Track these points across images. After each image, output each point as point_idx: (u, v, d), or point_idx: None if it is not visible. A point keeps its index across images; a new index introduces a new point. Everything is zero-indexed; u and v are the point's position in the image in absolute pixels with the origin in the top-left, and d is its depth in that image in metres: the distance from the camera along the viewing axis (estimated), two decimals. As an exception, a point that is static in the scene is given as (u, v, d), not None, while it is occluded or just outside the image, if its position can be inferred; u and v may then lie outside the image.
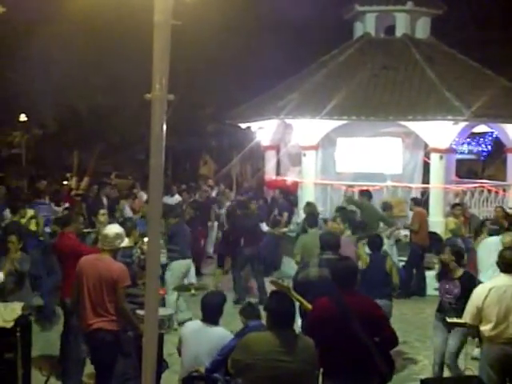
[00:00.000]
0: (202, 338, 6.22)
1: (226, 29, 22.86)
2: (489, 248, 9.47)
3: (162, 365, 7.07)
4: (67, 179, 31.84)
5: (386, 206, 13.71)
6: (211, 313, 6.40)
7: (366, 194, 13.72)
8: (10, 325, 7.58)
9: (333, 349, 5.46)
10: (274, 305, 5.21)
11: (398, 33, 17.77)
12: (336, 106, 15.23)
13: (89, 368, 7.91)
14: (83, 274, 6.90)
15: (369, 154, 16.34)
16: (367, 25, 17.99)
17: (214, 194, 20.20)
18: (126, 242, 7.35)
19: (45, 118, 26.83)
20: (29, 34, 19.66)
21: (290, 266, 13.56)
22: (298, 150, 16.98)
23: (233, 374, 5.42)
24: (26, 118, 32.54)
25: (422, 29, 18.09)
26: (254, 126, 18.44)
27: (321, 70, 17.21)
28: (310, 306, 6.23)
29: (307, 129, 15.99)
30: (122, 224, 8.95)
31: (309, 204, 13.97)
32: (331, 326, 5.53)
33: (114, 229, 7.13)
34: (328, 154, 16.91)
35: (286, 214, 15.52)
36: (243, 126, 19.16)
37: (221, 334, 6.30)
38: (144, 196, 16.90)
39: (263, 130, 18.31)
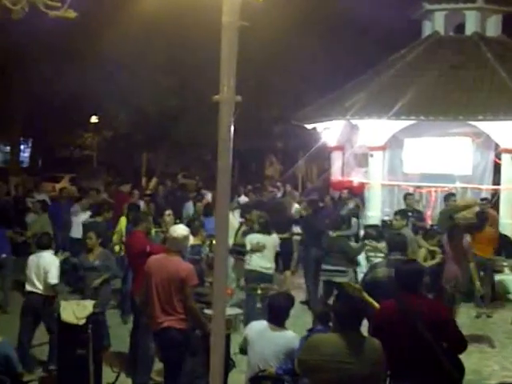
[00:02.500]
0: (267, 340, 6.21)
1: (292, 30, 22.87)
2: None
3: (229, 364, 7.13)
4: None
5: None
6: (278, 315, 6.38)
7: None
8: (82, 322, 7.79)
9: (398, 351, 5.37)
10: (340, 306, 5.18)
11: (468, 31, 17.41)
12: (404, 106, 15.03)
13: (158, 365, 8.05)
14: (151, 273, 7.01)
15: (437, 155, 16.05)
16: (436, 23, 17.69)
17: (279, 194, 20.24)
18: (191, 240, 7.43)
19: (115, 120, 27.32)
20: (100, 37, 20.06)
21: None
22: (364, 151, 16.81)
23: (299, 374, 5.42)
24: (97, 120, 33.32)
25: (493, 26, 17.68)
26: (320, 126, 18.34)
27: (388, 69, 17.00)
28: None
29: (374, 129, 15.83)
30: (188, 224, 9.08)
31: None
32: (395, 329, 5.47)
33: (181, 230, 7.22)
34: (395, 155, 16.69)
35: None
36: (309, 126, 19.08)
37: (287, 336, 6.27)
38: (209, 195, 17.07)
39: (329, 131, 18.20)
